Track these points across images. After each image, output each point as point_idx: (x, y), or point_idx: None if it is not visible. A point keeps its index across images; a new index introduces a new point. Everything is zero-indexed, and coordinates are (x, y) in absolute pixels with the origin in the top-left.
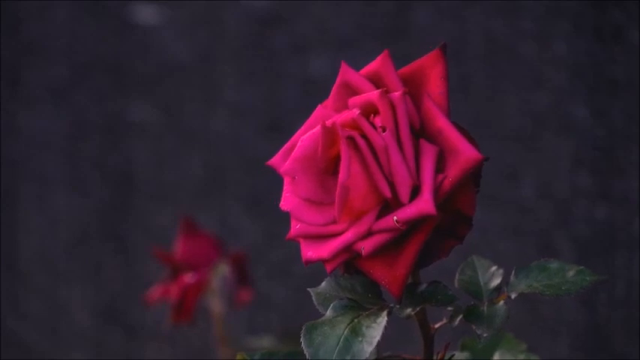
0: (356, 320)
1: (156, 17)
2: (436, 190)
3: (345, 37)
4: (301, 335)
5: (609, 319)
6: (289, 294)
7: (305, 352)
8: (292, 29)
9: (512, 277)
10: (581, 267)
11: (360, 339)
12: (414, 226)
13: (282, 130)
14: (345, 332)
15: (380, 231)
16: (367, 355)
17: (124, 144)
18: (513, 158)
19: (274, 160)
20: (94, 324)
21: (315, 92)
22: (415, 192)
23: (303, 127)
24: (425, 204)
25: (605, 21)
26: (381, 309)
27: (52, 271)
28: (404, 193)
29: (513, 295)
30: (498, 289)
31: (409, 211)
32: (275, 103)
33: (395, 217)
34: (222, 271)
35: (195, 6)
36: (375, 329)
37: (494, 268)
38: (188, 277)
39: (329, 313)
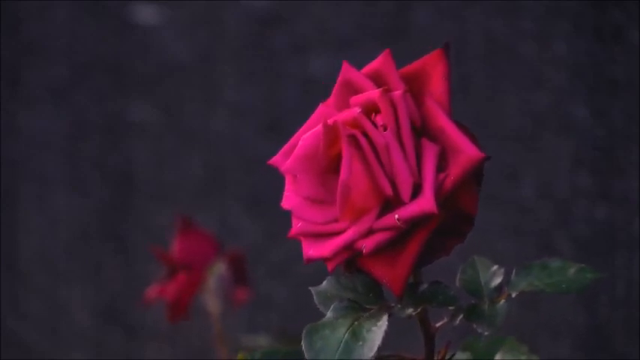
0: (356, 323)
1: (156, 17)
2: (438, 189)
3: (345, 37)
4: (302, 338)
5: (610, 319)
6: (289, 294)
7: (306, 355)
8: (292, 29)
9: (513, 276)
10: (582, 265)
11: (360, 343)
12: (415, 224)
13: (282, 130)
14: (346, 336)
15: (381, 229)
16: None
17: (124, 144)
18: (513, 158)
19: (276, 159)
20: (94, 324)
21: (315, 92)
22: (417, 191)
23: (304, 126)
24: (426, 202)
25: (605, 21)
26: (382, 309)
27: (52, 271)
28: (405, 191)
29: (514, 294)
30: (499, 288)
31: (410, 210)
32: (275, 103)
33: (396, 216)
34: (219, 269)
35: (195, 6)
36: (376, 333)
37: (495, 267)
38: (184, 276)
39: (329, 314)
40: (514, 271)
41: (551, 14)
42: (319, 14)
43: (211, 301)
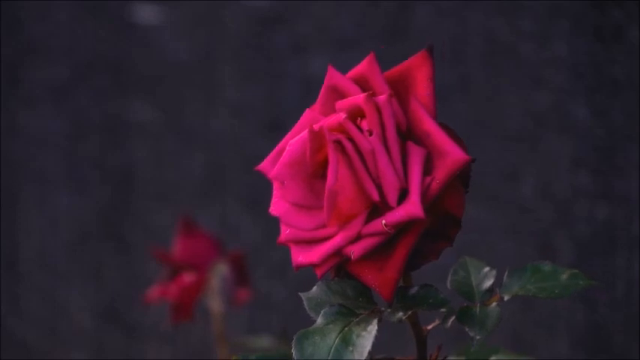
0: (346, 329)
1: (156, 17)
2: (424, 193)
3: (345, 37)
4: (292, 344)
5: (609, 319)
6: (289, 294)
7: None
8: (292, 29)
9: (505, 279)
10: (575, 270)
11: (350, 349)
12: (403, 229)
13: (282, 130)
14: (336, 342)
15: (369, 235)
16: None
17: (124, 144)
18: (513, 158)
19: (264, 165)
20: (94, 324)
21: (315, 92)
22: (403, 195)
23: (291, 132)
24: (413, 207)
25: (605, 21)
26: (372, 314)
27: (52, 271)
28: (392, 196)
29: (506, 297)
30: (491, 290)
31: (397, 215)
32: (275, 103)
33: (383, 221)
34: (221, 270)
35: (195, 6)
36: (366, 338)
37: (486, 269)
38: (187, 277)
39: (320, 320)
40: (506, 273)
41: (551, 14)
42: (319, 14)
43: (214, 301)
